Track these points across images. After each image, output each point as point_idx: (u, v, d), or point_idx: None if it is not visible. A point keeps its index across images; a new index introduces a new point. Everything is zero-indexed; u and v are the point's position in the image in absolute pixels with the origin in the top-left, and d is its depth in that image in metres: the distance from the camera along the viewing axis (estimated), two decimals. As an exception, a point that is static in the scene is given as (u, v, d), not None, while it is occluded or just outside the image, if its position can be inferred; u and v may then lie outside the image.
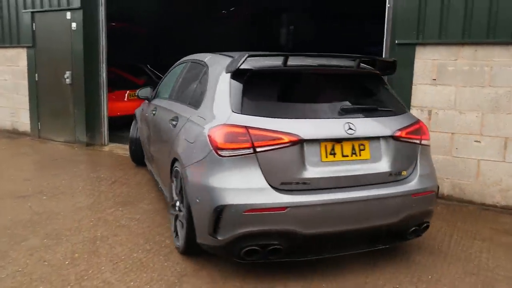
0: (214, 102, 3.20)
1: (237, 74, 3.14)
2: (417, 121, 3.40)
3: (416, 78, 5.00)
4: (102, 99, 7.60)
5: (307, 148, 2.93)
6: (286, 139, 2.86)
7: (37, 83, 8.08)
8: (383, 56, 5.30)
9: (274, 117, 2.95)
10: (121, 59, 11.18)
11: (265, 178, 2.84)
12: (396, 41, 5.04)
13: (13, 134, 8.56)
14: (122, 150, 7.34)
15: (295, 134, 2.89)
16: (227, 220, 2.81)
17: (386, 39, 5.28)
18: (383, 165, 3.12)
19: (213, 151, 2.90)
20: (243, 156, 2.84)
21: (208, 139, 2.97)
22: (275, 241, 2.85)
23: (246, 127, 2.87)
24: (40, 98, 8.10)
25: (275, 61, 3.26)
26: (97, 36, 7.42)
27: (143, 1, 12.32)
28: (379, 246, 3.24)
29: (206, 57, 3.85)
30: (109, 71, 9.86)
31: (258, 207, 2.77)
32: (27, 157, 6.84)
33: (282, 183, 2.87)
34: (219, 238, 2.87)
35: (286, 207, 2.80)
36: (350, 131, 3.01)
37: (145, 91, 5.08)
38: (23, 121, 8.43)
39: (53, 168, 6.11)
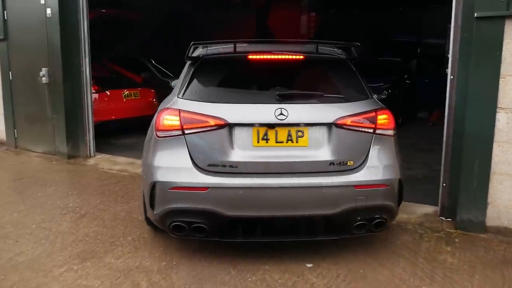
0: (174, 89, 3.40)
1: (192, 62, 3.34)
2: (374, 109, 3.10)
3: (506, 67, 3.43)
4: (85, 101, 6.19)
5: (236, 132, 2.97)
6: (212, 122, 2.94)
7: (12, 83, 6.74)
8: (451, 37, 3.78)
9: (208, 102, 3.06)
10: (118, 53, 9.80)
11: (191, 158, 2.95)
12: (476, 14, 3.46)
13: (-12, 143, 7.27)
14: (110, 163, 5.97)
15: (221, 118, 2.94)
16: (158, 195, 2.99)
17: (455, 14, 3.73)
18: (322, 154, 3.01)
19: (154, 132, 3.08)
20: (173, 137, 2.99)
21: (154, 121, 3.14)
22: (198, 219, 2.94)
23: (179, 111, 3.00)
24: (15, 100, 6.74)
25: (239, 48, 3.28)
26: (77, 25, 5.99)
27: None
28: (319, 237, 3.15)
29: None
30: (102, 66, 8.55)
31: (181, 185, 2.91)
32: (-12, 175, 5.50)
33: (210, 165, 2.94)
34: (155, 212, 3.05)
35: (208, 188, 2.88)
36: (281, 117, 2.95)
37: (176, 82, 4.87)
38: (-2, 128, 7.14)
39: (12, 192, 4.76)
